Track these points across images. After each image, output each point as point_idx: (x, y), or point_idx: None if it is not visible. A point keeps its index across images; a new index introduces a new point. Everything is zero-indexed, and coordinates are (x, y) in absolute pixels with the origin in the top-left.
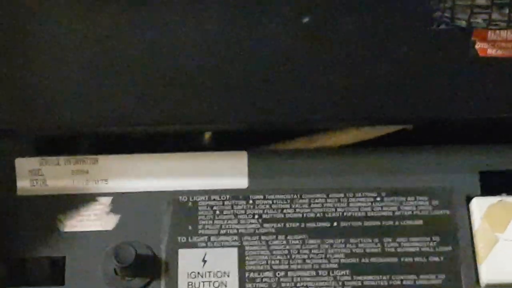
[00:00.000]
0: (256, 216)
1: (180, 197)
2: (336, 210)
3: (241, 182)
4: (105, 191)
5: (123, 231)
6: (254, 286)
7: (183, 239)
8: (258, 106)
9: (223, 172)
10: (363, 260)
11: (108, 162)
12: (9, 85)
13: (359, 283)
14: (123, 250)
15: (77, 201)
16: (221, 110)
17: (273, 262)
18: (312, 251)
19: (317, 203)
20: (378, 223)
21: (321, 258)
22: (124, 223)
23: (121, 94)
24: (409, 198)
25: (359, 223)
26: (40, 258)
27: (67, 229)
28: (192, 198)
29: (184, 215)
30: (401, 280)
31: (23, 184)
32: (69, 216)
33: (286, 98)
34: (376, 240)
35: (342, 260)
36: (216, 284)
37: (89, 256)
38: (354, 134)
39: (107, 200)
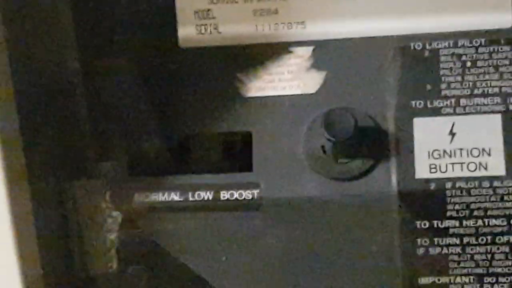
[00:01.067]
0: None
1: (413, 43)
2: None
3: (504, 18)
4: (302, 38)
5: (330, 95)
6: None
7: (420, 103)
8: None
9: (476, 4)
10: None
11: None
12: None
13: None
14: (337, 119)
15: (264, 53)
16: None
17: None
18: None
19: None
20: None
21: None
22: (332, 83)
23: None
24: None
25: None
26: (215, 135)
27: (251, 94)
28: (430, 45)
29: (420, 69)
30: None
31: (187, 32)
32: (253, 75)
33: None
34: None
35: None
36: (472, 167)
37: (284, 130)
38: None
39: (306, 51)
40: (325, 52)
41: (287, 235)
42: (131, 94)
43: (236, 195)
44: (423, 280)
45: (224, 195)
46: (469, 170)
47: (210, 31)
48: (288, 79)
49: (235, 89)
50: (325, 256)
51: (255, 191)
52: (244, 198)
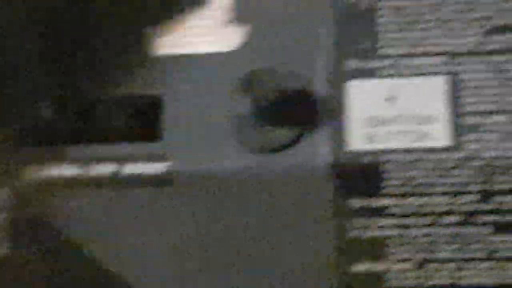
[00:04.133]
0: (478, 24)
1: None
2: None
3: None
4: None
5: (253, 53)
6: (476, 138)
7: (354, 63)
8: None
9: None
10: None
11: None
12: None
13: None
14: (258, 81)
15: (175, 3)
16: None
17: (507, 98)
18: None
19: None
20: None
21: None
22: (255, 39)
23: None
24: None
25: None
26: (117, 100)
27: (160, 51)
28: None
29: (354, 24)
30: None
31: None
32: (162, 30)
33: None
34: None
35: None
36: (413, 137)
37: (199, 94)
38: None
39: (225, 1)
40: (247, 3)
41: (204, 213)
42: (19, 53)
43: (142, 168)
44: (357, 267)
45: (129, 168)
46: (409, 141)
47: None
48: (204, 34)
49: (141, 46)
50: (247, 236)
51: (165, 164)
52: (153, 172)
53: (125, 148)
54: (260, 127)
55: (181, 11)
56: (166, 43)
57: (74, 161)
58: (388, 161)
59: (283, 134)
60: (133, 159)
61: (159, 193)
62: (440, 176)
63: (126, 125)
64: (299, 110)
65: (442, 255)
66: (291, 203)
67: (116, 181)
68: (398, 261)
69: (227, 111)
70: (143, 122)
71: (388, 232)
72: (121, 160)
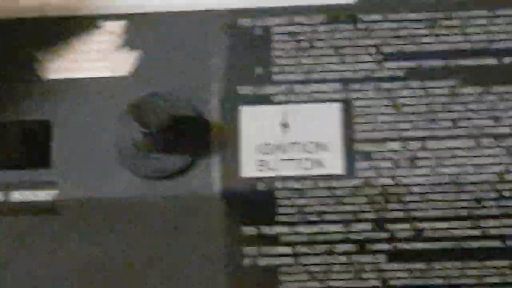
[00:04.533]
0: (372, 51)
1: (241, 20)
2: (508, 36)
3: None
4: (113, 11)
5: (145, 78)
6: (369, 165)
7: (248, 89)
8: None
9: None
10: None
11: None
12: None
13: None
14: (148, 106)
15: (67, 28)
16: None
17: (400, 126)
18: (469, 106)
19: (474, 25)
20: None
21: (484, 119)
22: (147, 64)
23: None
24: None
25: None
26: (6, 124)
27: (51, 76)
28: (261, 22)
29: (249, 50)
30: None
31: None
32: (54, 54)
33: None
34: None
35: None
36: (307, 164)
37: (89, 120)
38: None
39: (117, 27)
40: (139, 28)
41: (92, 242)
42: None
43: (30, 195)
44: None
45: (16, 195)
46: (303, 168)
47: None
48: (95, 59)
49: (32, 70)
50: (137, 266)
51: (53, 191)
52: (40, 199)
53: (13, 174)
54: (151, 154)
55: (73, 35)
56: (57, 67)
57: None
58: (281, 189)
59: (174, 160)
60: (22, 186)
61: (48, 220)
62: (334, 204)
63: (15, 151)
64: (192, 136)
65: (336, 283)
66: (182, 231)
67: (2, 209)
68: None
69: (118, 137)
70: (33, 148)
71: (281, 261)
72: (10, 186)
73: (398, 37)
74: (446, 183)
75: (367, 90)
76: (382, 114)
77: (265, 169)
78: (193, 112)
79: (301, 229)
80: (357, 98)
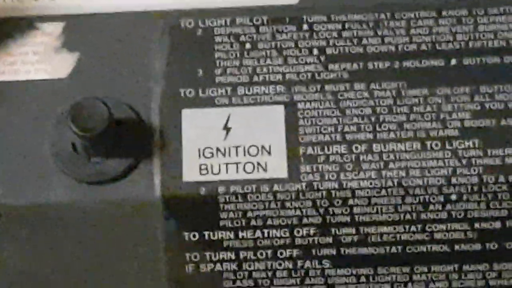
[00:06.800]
0: (315, 52)
1: (183, 20)
2: (454, 37)
3: None
4: (51, 12)
5: (85, 81)
6: (314, 169)
7: (190, 92)
8: None
9: None
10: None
11: None
12: None
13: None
14: (87, 110)
15: (3, 29)
16: None
17: (345, 128)
18: (415, 108)
19: (420, 26)
20: None
21: (430, 121)
22: (87, 67)
23: None
24: None
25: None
26: None
27: None
28: (203, 23)
29: (191, 51)
30: None
31: None
32: None
33: None
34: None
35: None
36: (250, 168)
37: (26, 124)
38: None
39: (55, 28)
40: (78, 30)
41: (30, 248)
42: None
43: None
44: None
45: None
46: (246, 172)
47: None
48: (33, 61)
49: None
50: (77, 273)
51: None
52: None
53: None
54: (91, 158)
55: (9, 37)
56: None
57: None
58: (224, 193)
59: (115, 164)
60: None
61: None
62: (277, 208)
63: None
64: (133, 140)
65: None
66: (123, 236)
67: None
68: None
69: (57, 141)
70: None
71: (225, 267)
72: None
73: (342, 38)
74: (392, 187)
75: (311, 92)
76: (327, 116)
77: (208, 173)
78: (134, 115)
79: (245, 234)
80: (301, 101)
